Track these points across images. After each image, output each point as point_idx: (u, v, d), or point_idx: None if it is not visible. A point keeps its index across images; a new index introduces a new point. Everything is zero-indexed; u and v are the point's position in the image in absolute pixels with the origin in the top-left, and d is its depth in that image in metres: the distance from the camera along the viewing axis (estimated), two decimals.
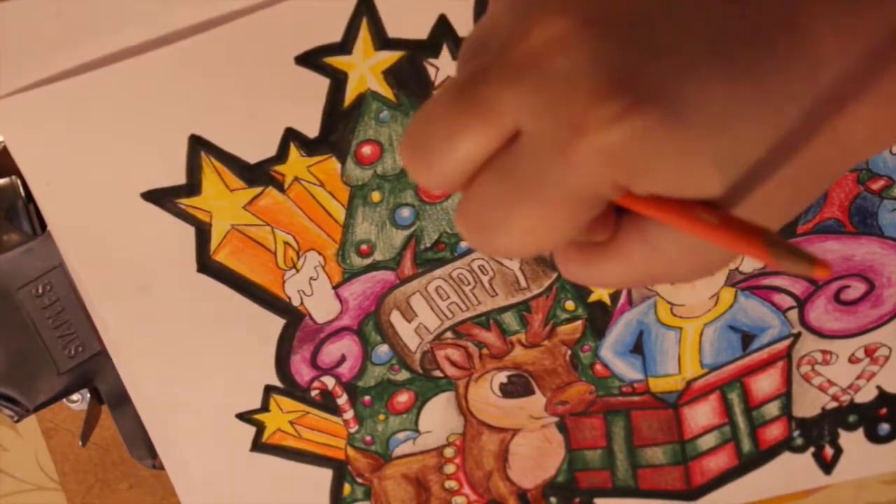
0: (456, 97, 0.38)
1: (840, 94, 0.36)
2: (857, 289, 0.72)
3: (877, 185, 0.69)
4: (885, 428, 0.76)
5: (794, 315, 0.73)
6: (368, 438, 0.74)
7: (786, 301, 0.72)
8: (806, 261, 0.33)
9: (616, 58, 0.35)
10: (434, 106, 0.39)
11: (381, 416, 0.73)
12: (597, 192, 0.37)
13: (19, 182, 0.68)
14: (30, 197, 0.66)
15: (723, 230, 0.35)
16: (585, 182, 0.36)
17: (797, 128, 0.36)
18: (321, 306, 0.69)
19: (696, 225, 0.36)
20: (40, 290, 0.69)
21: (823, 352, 0.74)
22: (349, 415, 0.73)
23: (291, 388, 0.72)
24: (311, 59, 0.63)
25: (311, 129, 0.65)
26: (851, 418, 0.76)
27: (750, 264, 0.70)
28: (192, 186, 0.65)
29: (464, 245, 0.68)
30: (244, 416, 0.72)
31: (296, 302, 0.69)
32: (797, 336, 0.73)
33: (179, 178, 0.65)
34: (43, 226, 0.68)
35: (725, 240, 0.35)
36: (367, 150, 0.65)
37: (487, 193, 0.38)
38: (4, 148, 0.64)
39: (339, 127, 0.65)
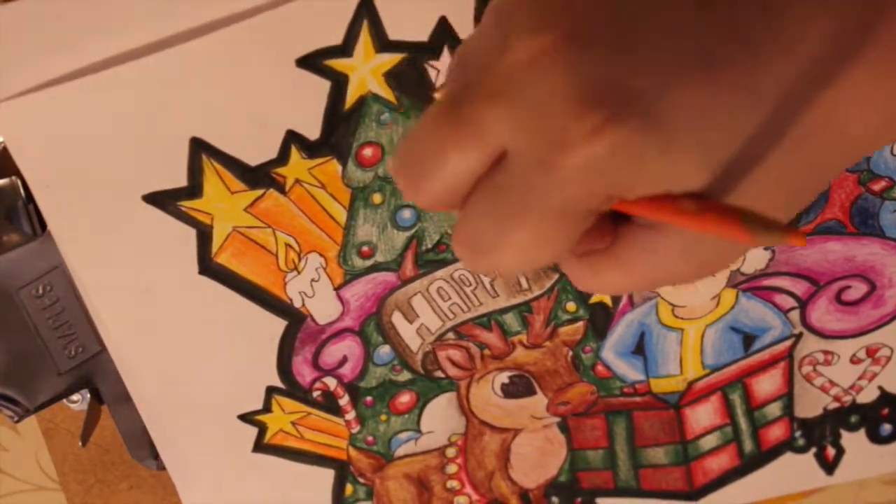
0: (442, 116, 0.38)
1: (823, 73, 0.36)
2: (858, 289, 0.72)
3: (878, 186, 0.69)
4: (887, 428, 0.76)
5: (795, 316, 0.73)
6: (370, 439, 0.74)
7: (787, 302, 0.72)
8: (779, 231, 0.33)
9: (594, 72, 0.35)
10: (422, 125, 0.39)
11: (383, 417, 0.73)
12: (586, 206, 0.37)
13: (19, 182, 0.68)
14: (30, 197, 0.66)
15: (702, 214, 0.35)
16: (573, 197, 0.36)
17: (784, 113, 0.36)
18: (323, 308, 0.69)
19: (680, 215, 0.36)
20: (40, 291, 0.69)
21: (825, 352, 0.74)
22: (351, 415, 0.73)
23: (293, 388, 0.71)
24: (312, 62, 0.63)
25: (312, 132, 0.64)
26: (853, 419, 0.76)
27: (751, 265, 0.70)
28: (193, 189, 0.65)
29: None
30: (246, 417, 0.72)
31: (297, 303, 0.69)
32: (799, 337, 0.73)
33: (180, 181, 0.65)
34: (43, 226, 0.68)
35: (705, 223, 0.35)
36: (368, 151, 0.65)
37: (478, 214, 0.39)
38: (4, 148, 0.64)
39: (340, 129, 0.65)
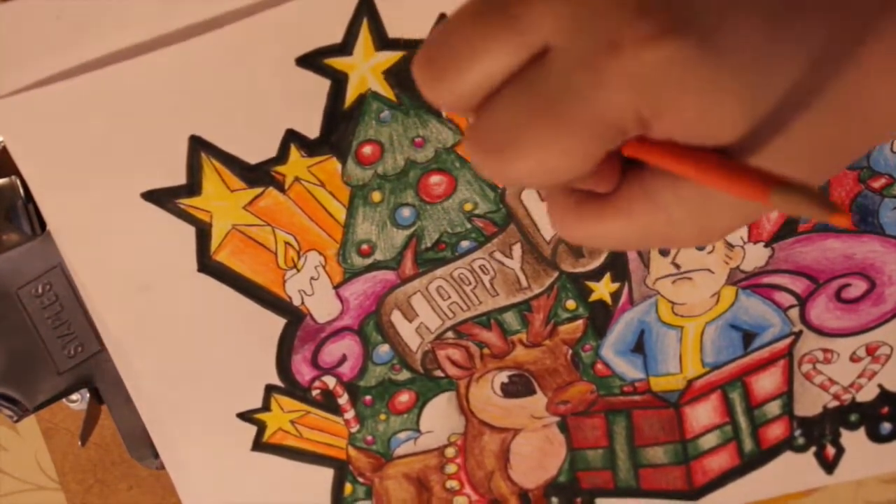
0: (484, 9, 0.37)
1: (866, 46, 0.36)
2: (858, 287, 0.72)
3: (878, 184, 0.69)
4: (886, 427, 0.76)
5: (795, 313, 0.73)
6: (370, 438, 0.74)
7: (787, 299, 0.72)
8: (826, 207, 0.32)
9: None
10: (458, 18, 0.38)
11: (383, 416, 0.73)
12: (619, 120, 0.36)
13: (19, 182, 0.68)
14: (30, 197, 0.66)
15: (734, 174, 0.34)
16: (610, 105, 0.35)
17: (821, 79, 0.36)
18: (322, 306, 0.69)
19: (709, 171, 0.35)
20: (40, 290, 0.69)
21: (825, 350, 0.74)
22: (350, 414, 0.73)
23: (292, 387, 0.71)
24: (312, 61, 0.63)
25: (312, 130, 0.64)
26: (853, 417, 0.76)
27: (751, 263, 0.70)
28: (192, 187, 0.65)
29: (464, 245, 0.68)
30: (245, 416, 0.72)
31: (296, 302, 0.69)
32: (798, 334, 0.73)
33: (179, 179, 0.65)
34: (43, 226, 0.68)
35: (735, 184, 0.34)
36: (367, 150, 0.65)
37: (505, 111, 0.37)
38: (4, 148, 0.64)
39: (339, 127, 0.65)
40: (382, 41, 0.63)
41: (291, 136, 0.64)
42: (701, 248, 0.70)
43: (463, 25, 0.37)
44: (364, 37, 0.62)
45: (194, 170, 0.65)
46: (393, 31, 0.63)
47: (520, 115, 0.37)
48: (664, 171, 0.39)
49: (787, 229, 0.69)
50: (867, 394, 0.75)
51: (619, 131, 0.36)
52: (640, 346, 0.72)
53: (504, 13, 0.36)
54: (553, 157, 0.37)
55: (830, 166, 0.39)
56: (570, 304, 0.71)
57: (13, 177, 0.68)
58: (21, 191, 0.68)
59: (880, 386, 0.75)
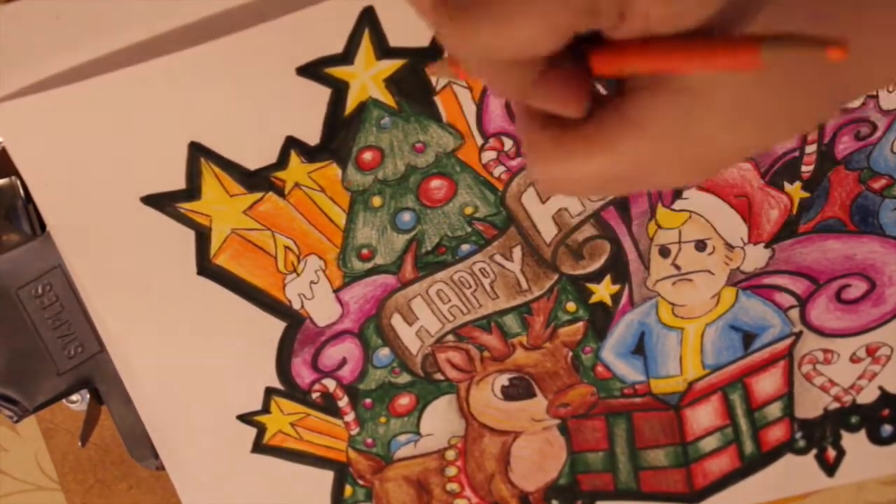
0: None
1: None
2: (858, 288, 0.72)
3: (878, 184, 0.69)
4: (887, 429, 0.76)
5: (795, 314, 0.73)
6: (370, 441, 0.74)
7: (787, 300, 0.72)
8: (820, 41, 0.29)
9: None
10: None
11: (383, 419, 0.73)
12: None
13: (19, 182, 0.68)
14: (30, 197, 0.66)
15: (718, 46, 0.32)
16: None
17: None
18: (322, 310, 0.69)
19: (690, 50, 0.33)
20: (40, 291, 0.69)
21: (825, 351, 0.74)
22: (350, 417, 0.73)
23: (292, 390, 0.71)
24: (313, 70, 0.63)
25: (312, 138, 0.64)
26: (854, 419, 0.76)
27: (751, 263, 0.70)
28: (192, 191, 0.65)
29: (465, 248, 0.68)
30: (245, 418, 0.72)
31: (296, 305, 0.69)
32: (798, 335, 0.73)
33: (179, 184, 0.65)
34: (43, 226, 0.68)
35: (721, 55, 0.32)
36: (367, 155, 0.65)
37: None
38: (4, 148, 0.64)
39: (340, 134, 0.64)
40: (383, 50, 0.62)
41: (291, 143, 0.64)
42: (701, 250, 0.70)
43: None
44: (365, 46, 0.62)
45: (194, 175, 0.64)
46: (394, 40, 0.62)
47: None
48: (639, 90, 0.37)
49: (788, 230, 0.70)
50: (868, 395, 0.76)
51: (591, 9, 0.34)
52: (640, 348, 0.72)
53: None
54: (520, 23, 0.34)
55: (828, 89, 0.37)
56: (571, 306, 0.71)
57: (13, 177, 0.68)
58: (21, 191, 0.68)
59: (881, 388, 0.75)
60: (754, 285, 0.71)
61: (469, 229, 0.68)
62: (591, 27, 0.35)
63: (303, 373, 0.71)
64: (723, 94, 0.36)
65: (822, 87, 0.37)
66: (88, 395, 0.74)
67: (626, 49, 0.35)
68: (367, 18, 0.62)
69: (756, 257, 0.70)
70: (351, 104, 0.64)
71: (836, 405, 0.75)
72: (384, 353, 0.71)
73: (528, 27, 0.34)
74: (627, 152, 0.37)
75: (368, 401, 0.73)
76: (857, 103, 0.67)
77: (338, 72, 0.63)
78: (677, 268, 0.70)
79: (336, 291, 0.69)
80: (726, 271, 0.71)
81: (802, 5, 0.35)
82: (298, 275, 0.68)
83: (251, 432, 0.73)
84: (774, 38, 0.30)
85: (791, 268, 0.71)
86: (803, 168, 0.68)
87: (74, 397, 0.75)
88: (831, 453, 0.77)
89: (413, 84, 0.64)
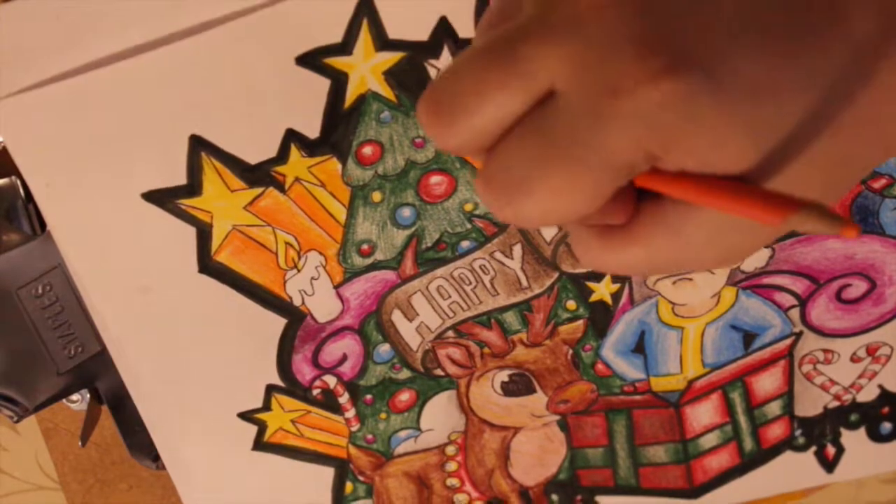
0: (490, 54, 0.37)
1: (868, 66, 0.36)
2: (858, 287, 0.72)
3: (878, 184, 0.69)
4: (887, 427, 0.76)
5: (795, 314, 0.73)
6: (370, 437, 0.74)
7: (787, 300, 0.72)
8: (836, 222, 0.32)
9: (659, 23, 0.35)
10: (464, 62, 0.38)
11: (383, 415, 0.73)
12: (628, 159, 0.36)
13: (19, 182, 0.68)
14: (30, 197, 0.66)
15: (747, 200, 0.35)
16: (618, 146, 0.35)
17: (831, 104, 0.36)
18: (322, 306, 0.69)
19: (722, 197, 0.36)
20: (40, 291, 0.69)
21: (825, 351, 0.74)
22: (351, 413, 0.73)
23: (293, 387, 0.71)
24: (312, 60, 0.63)
25: (312, 130, 0.65)
26: (853, 417, 0.76)
27: (751, 263, 0.70)
28: (193, 187, 0.65)
29: (465, 245, 0.68)
30: (246, 416, 0.72)
31: (297, 302, 0.69)
32: (799, 335, 0.73)
33: (180, 179, 0.65)
34: (43, 226, 0.68)
35: (749, 209, 0.35)
36: (367, 150, 0.65)
37: (515, 153, 0.38)
38: (4, 148, 0.64)
39: (339, 127, 0.65)
40: (382, 42, 0.63)
41: (292, 136, 0.64)
42: None
43: (470, 68, 0.38)
44: (364, 37, 0.62)
45: (194, 170, 0.65)
46: (393, 32, 0.63)
47: (529, 158, 0.37)
48: (679, 199, 0.39)
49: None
50: (867, 394, 0.75)
51: (629, 168, 0.37)
52: (640, 347, 0.72)
53: (510, 57, 0.37)
54: (563, 198, 0.37)
55: (845, 182, 0.39)
56: (571, 304, 0.71)
57: (13, 177, 0.68)
58: (21, 191, 0.68)
59: (881, 386, 0.75)
60: (754, 285, 0.71)
61: (469, 226, 0.68)
62: (630, 179, 0.38)
63: (303, 369, 0.71)
64: None
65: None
66: (88, 395, 0.74)
67: (665, 176, 0.37)
68: (366, 7, 0.62)
69: (756, 257, 0.70)
70: (350, 96, 0.64)
71: (835, 403, 0.75)
72: (384, 349, 0.71)
73: (572, 201, 0.37)
74: (670, 252, 0.40)
75: (369, 397, 0.73)
76: None
77: (337, 62, 0.63)
78: None
79: (336, 287, 0.69)
80: (726, 271, 0.71)
81: (819, 170, 0.37)
82: (299, 271, 0.68)
83: (252, 430, 0.73)
84: (801, 206, 0.33)
85: (791, 267, 0.71)
86: None
87: (74, 397, 0.75)
88: (831, 450, 0.76)
89: (413, 78, 0.64)
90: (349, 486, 0.75)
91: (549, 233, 0.68)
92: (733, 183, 0.36)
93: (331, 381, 0.72)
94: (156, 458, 0.73)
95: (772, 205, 0.34)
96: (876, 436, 0.76)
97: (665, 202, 0.40)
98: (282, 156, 0.65)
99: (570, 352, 0.72)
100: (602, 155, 0.36)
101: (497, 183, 0.38)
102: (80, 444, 0.75)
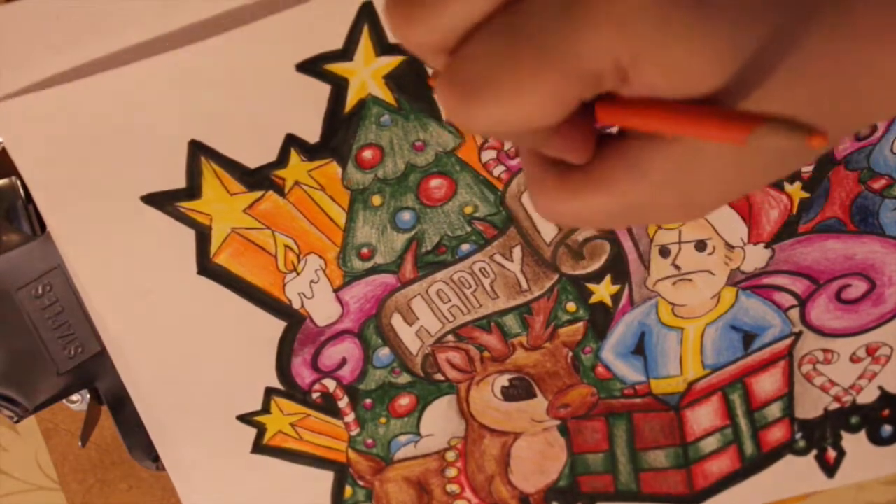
0: None
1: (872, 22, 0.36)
2: (858, 287, 0.72)
3: (878, 185, 0.69)
4: (887, 430, 0.76)
5: (795, 314, 0.73)
6: (370, 441, 0.74)
7: (787, 300, 0.72)
8: (802, 130, 0.32)
9: None
10: None
11: (383, 419, 0.73)
12: (596, 67, 0.35)
13: (19, 182, 0.68)
14: (30, 197, 0.66)
15: (712, 117, 0.34)
16: (588, 49, 0.34)
17: (812, 27, 0.35)
18: (322, 309, 0.69)
19: (685, 117, 0.35)
20: (40, 291, 0.69)
21: (825, 351, 0.74)
22: (350, 417, 0.73)
23: (292, 390, 0.71)
24: (312, 67, 0.63)
25: (312, 135, 0.64)
26: (854, 420, 0.76)
27: (751, 263, 0.70)
28: (192, 190, 0.65)
29: (465, 248, 0.68)
30: (245, 418, 0.72)
31: (296, 305, 0.69)
32: (798, 335, 0.73)
33: (179, 182, 0.65)
34: (43, 226, 0.68)
35: (709, 128, 0.34)
36: (367, 154, 0.65)
37: (482, 52, 0.36)
38: (4, 148, 0.64)
39: (339, 132, 0.64)
40: (383, 46, 0.63)
41: (291, 141, 0.64)
42: (701, 250, 0.70)
43: None
44: (365, 42, 0.62)
45: (194, 174, 0.64)
46: (393, 37, 0.62)
47: (494, 53, 0.36)
48: (641, 136, 0.38)
49: (788, 230, 0.69)
50: (868, 396, 0.75)
51: (595, 79, 0.35)
52: (640, 348, 0.72)
53: None
54: (524, 99, 0.36)
55: (836, 117, 0.37)
56: (571, 306, 0.71)
57: (13, 177, 0.68)
58: (21, 191, 0.68)
59: (881, 388, 0.75)
60: (754, 285, 0.71)
61: (469, 229, 0.68)
62: (595, 93, 0.36)
63: (303, 373, 0.71)
64: (712, 148, 0.37)
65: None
66: (88, 395, 0.74)
67: (628, 105, 0.37)
68: (366, 14, 0.62)
69: (756, 257, 0.70)
70: (351, 101, 0.64)
71: (836, 405, 0.75)
72: (384, 353, 0.71)
73: (536, 103, 0.36)
74: (628, 194, 0.39)
75: (368, 401, 0.73)
76: None
77: (337, 68, 0.63)
78: (677, 268, 0.70)
79: (336, 291, 0.69)
80: (726, 271, 0.71)
81: (804, 87, 0.36)
82: (298, 274, 0.68)
83: (251, 432, 0.73)
84: (765, 120, 0.32)
85: (791, 268, 0.71)
86: (803, 168, 0.68)
87: (74, 397, 0.75)
88: (831, 454, 0.77)
89: (412, 81, 0.64)
90: (348, 490, 0.75)
91: (549, 234, 0.68)
92: (697, 106, 0.35)
93: (330, 384, 0.72)
94: (156, 458, 0.74)
95: (736, 121, 0.33)
96: (876, 439, 0.76)
97: (627, 140, 0.39)
98: (281, 160, 0.65)
99: (571, 355, 0.72)
100: (570, 58, 0.35)
101: (460, 79, 0.37)
102: (80, 444, 0.75)
